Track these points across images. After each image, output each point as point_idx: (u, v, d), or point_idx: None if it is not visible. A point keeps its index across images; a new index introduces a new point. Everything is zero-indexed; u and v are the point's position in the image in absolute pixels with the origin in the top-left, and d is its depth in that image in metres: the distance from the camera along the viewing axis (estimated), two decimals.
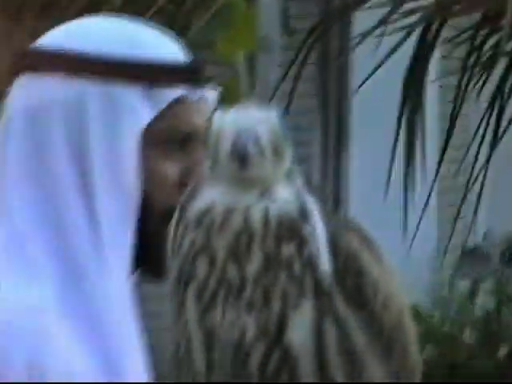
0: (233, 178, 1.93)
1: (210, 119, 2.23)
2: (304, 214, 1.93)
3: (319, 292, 1.86)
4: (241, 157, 1.91)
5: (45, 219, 2.71)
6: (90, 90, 2.71)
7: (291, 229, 1.90)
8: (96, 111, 2.70)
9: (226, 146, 1.92)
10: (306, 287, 1.85)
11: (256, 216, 1.90)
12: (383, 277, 1.94)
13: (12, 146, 2.73)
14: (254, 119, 1.97)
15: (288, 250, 1.89)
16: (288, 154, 1.98)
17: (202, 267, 1.91)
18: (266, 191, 1.93)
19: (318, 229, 1.94)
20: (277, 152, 1.95)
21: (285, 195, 1.94)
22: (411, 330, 1.98)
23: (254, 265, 1.89)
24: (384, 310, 1.91)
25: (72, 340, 2.60)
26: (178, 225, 2.02)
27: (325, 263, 1.90)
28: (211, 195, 1.94)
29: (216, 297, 1.88)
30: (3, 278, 2.65)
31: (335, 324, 1.85)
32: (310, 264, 1.87)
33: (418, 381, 1.99)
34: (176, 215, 2.03)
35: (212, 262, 1.88)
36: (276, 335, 1.84)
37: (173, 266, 1.99)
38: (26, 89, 2.74)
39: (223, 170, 1.94)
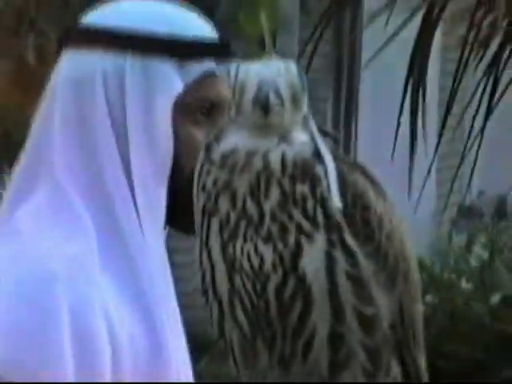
0: (255, 124, 1.93)
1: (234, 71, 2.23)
2: (317, 156, 1.93)
3: (330, 225, 1.86)
4: (263, 105, 1.91)
5: (85, 177, 2.66)
6: (129, 63, 2.67)
7: (305, 170, 1.89)
8: (134, 81, 2.67)
9: (249, 96, 1.94)
10: (318, 221, 1.84)
11: (274, 158, 1.90)
12: (386, 212, 1.94)
13: (58, 110, 2.69)
14: (275, 71, 1.98)
15: (302, 188, 1.89)
16: (304, 103, 2.00)
17: (224, 203, 1.92)
18: (283, 136, 1.93)
19: (329, 169, 1.94)
20: (295, 101, 1.97)
21: (300, 140, 1.95)
22: (412, 259, 1.98)
23: (271, 201, 1.89)
24: (388, 241, 1.91)
25: (111, 290, 2.57)
26: (202, 165, 2.03)
27: (335, 200, 1.90)
28: (234, 140, 1.95)
29: (237, 229, 1.87)
30: (49, 231, 2.62)
31: (344, 254, 1.84)
32: (322, 200, 1.87)
33: (418, 306, 1.97)
34: (200, 157, 2.04)
35: (233, 199, 1.89)
36: (291, 264, 1.82)
37: (198, 202, 2.00)
38: (72, 61, 2.70)
39: (246, 117, 1.94)
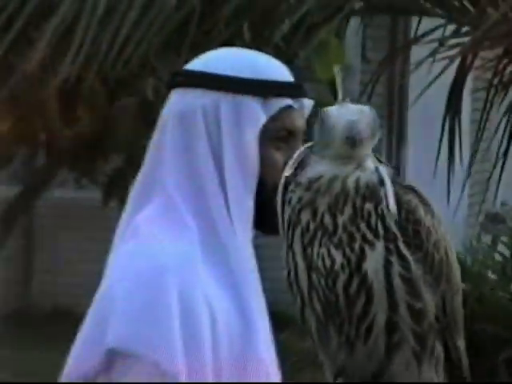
0: (341, 156, 1.97)
1: (316, 116, 2.34)
2: (381, 180, 1.93)
3: (387, 236, 1.88)
4: (353, 142, 1.95)
5: (190, 191, 2.68)
6: (223, 100, 2.68)
7: (372, 192, 1.90)
8: (227, 115, 2.67)
9: (340, 134, 1.99)
10: (379, 232, 1.85)
11: (351, 182, 1.91)
12: (433, 225, 1.94)
13: (167, 139, 2.69)
14: (357, 113, 2.03)
15: (369, 206, 1.90)
16: (376, 138, 2.05)
17: (305, 216, 1.94)
18: (359, 165, 1.95)
19: (389, 192, 1.95)
20: (372, 137, 2.01)
21: (370, 167, 1.96)
22: (454, 262, 1.98)
23: (344, 216, 1.91)
24: (434, 249, 1.91)
25: (209, 279, 2.56)
26: (286, 186, 2.11)
27: (393, 216, 1.92)
28: (319, 168, 1.98)
29: (314, 237, 1.92)
30: (161, 233, 2.63)
31: (399, 259, 1.86)
32: (382, 216, 1.89)
33: (459, 299, 1.98)
34: (285, 179, 2.12)
35: (314, 214, 1.91)
36: (356, 265, 1.83)
37: (282, 213, 2.08)
38: (178, 98, 2.71)
39: (335, 151, 1.98)
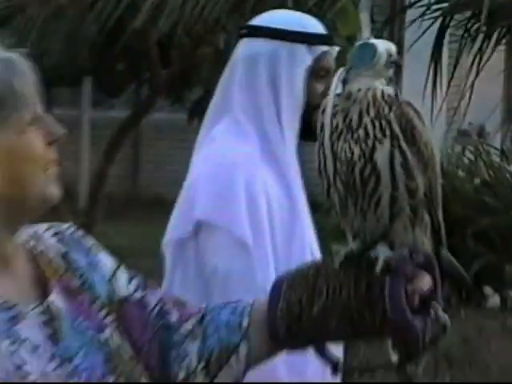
0: (380, 75, 1.78)
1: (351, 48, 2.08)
2: (396, 94, 1.78)
3: (392, 136, 1.74)
4: (394, 64, 1.77)
5: (252, 113, 2.65)
6: (281, 47, 2.66)
7: (390, 101, 1.76)
8: (285, 58, 2.66)
9: (384, 58, 1.76)
10: (386, 133, 1.72)
11: (379, 92, 1.76)
12: (425, 131, 1.82)
13: (236, 77, 2.67)
14: (389, 45, 1.81)
15: (384, 112, 1.75)
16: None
17: (337, 120, 1.78)
18: (385, 82, 1.80)
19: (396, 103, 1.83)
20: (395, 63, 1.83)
21: (389, 86, 1.80)
22: (436, 158, 1.87)
23: (368, 118, 1.75)
24: (424, 147, 1.80)
25: (267, 174, 2.56)
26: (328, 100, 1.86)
27: (395, 121, 1.78)
28: (357, 84, 1.78)
29: (340, 135, 1.75)
30: (231, 141, 2.62)
31: (399, 152, 1.72)
32: (389, 122, 1.75)
33: (439, 184, 1.87)
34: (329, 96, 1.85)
35: (344, 118, 1.74)
36: (369, 156, 1.72)
37: (319, 121, 1.84)
38: (245, 47, 2.69)
39: (376, 70, 1.78)
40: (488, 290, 7.28)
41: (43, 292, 1.57)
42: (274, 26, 2.74)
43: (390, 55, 1.81)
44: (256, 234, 2.55)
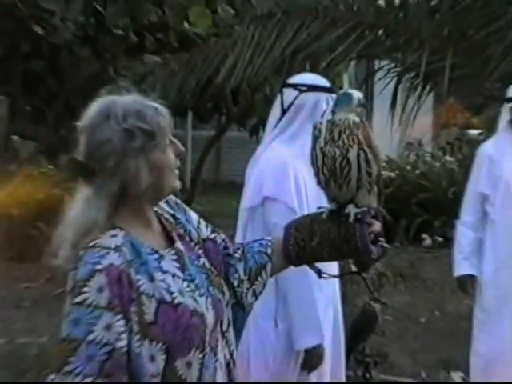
0: (353, 110, 2.05)
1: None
2: (361, 120, 2.06)
3: (359, 142, 2.01)
4: (362, 105, 2.07)
5: (294, 135, 3.15)
6: (321, 97, 3.20)
7: (357, 126, 2.04)
8: (314, 101, 3.18)
9: (356, 101, 2.05)
10: (355, 141, 2.02)
11: (351, 121, 2.04)
12: (375, 139, 2.06)
13: (297, 117, 3.17)
14: (359, 93, 2.10)
15: (356, 131, 2.02)
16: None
17: (326, 135, 2.05)
18: (353, 114, 2.07)
19: (361, 126, 2.07)
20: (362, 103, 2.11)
21: (357, 116, 2.07)
22: (380, 155, 2.09)
23: (344, 135, 2.02)
24: (375, 148, 2.04)
25: (304, 171, 2.94)
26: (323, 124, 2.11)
27: (361, 135, 2.04)
28: (341, 116, 2.06)
29: (328, 143, 2.03)
30: (282, 148, 3.12)
31: (363, 152, 2.02)
32: (357, 135, 2.02)
33: (380, 172, 2.09)
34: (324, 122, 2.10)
35: (331, 134, 2.04)
36: (345, 154, 2.02)
37: (314, 136, 2.09)
38: (287, 96, 3.19)
39: (351, 108, 2.05)
40: (424, 235, 9.43)
41: (169, 240, 2.01)
42: (305, 82, 3.26)
43: (359, 100, 2.09)
44: (299, 203, 3.11)
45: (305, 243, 2.11)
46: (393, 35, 5.14)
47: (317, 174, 2.06)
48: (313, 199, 3.00)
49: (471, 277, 4.27)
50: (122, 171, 1.90)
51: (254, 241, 2.21)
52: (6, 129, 7.88)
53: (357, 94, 2.07)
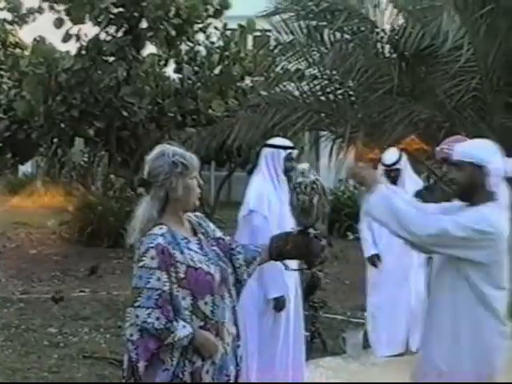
0: (306, 175, 2.56)
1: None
2: (313, 180, 2.58)
3: (318, 191, 2.49)
4: (308, 171, 2.64)
5: (269, 172, 3.75)
6: (275, 152, 3.80)
7: (312, 183, 2.55)
8: (277, 157, 3.80)
9: (308, 172, 2.51)
10: (313, 191, 2.48)
11: (309, 180, 2.54)
12: (321, 186, 2.45)
13: (262, 164, 3.79)
14: (309, 165, 2.61)
15: (311, 186, 2.54)
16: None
17: (297, 188, 2.62)
18: (307, 176, 2.63)
19: (318, 183, 2.63)
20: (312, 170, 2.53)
21: (311, 176, 2.61)
22: (326, 197, 2.44)
23: (308, 188, 2.52)
24: (326, 192, 2.40)
25: (273, 195, 3.52)
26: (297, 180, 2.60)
27: (319, 186, 2.57)
28: (300, 179, 2.58)
29: (298, 193, 2.52)
30: (260, 181, 3.79)
31: (319, 196, 2.48)
32: (317, 186, 2.50)
33: (327, 206, 2.45)
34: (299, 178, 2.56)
35: (296, 189, 2.51)
36: (310, 200, 2.40)
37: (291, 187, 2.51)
38: (265, 151, 3.80)
39: (305, 175, 2.54)
40: (349, 233, 10.89)
41: (194, 233, 2.55)
42: (276, 143, 3.87)
43: (308, 169, 2.63)
44: (270, 214, 3.79)
45: (282, 247, 2.60)
46: (329, 117, 6.76)
47: (293, 210, 2.68)
48: (278, 213, 3.83)
49: (376, 255, 5.40)
50: (167, 184, 2.45)
51: (251, 244, 2.76)
52: (106, 171, 10.34)
53: (305, 166, 2.70)
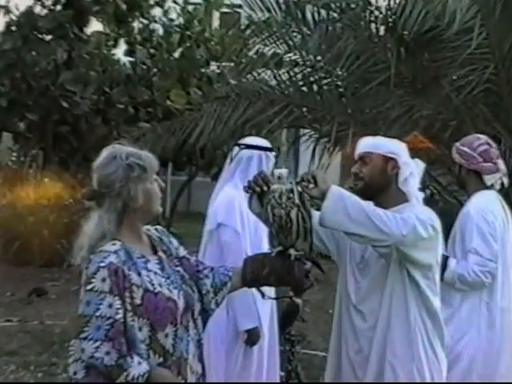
0: (283, 183, 2.58)
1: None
2: (291, 189, 2.62)
3: (294, 204, 2.52)
4: (284, 178, 2.62)
5: (240, 181, 3.73)
6: (254, 154, 3.86)
7: (289, 191, 2.57)
8: (255, 159, 3.84)
9: (286, 178, 2.60)
10: (293, 203, 2.55)
11: (285, 189, 2.60)
12: (295, 200, 2.58)
13: (236, 166, 3.81)
14: (287, 171, 2.58)
15: (288, 196, 2.56)
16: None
17: (272, 200, 2.61)
18: (284, 184, 2.62)
19: (295, 192, 2.62)
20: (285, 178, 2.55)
21: (288, 185, 2.61)
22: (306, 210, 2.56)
23: (283, 198, 2.56)
24: (304, 206, 2.54)
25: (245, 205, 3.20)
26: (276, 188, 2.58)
27: (297, 195, 2.55)
28: (275, 187, 2.65)
29: (275, 207, 2.57)
30: (231, 191, 3.80)
31: (299, 210, 2.52)
32: (290, 198, 2.55)
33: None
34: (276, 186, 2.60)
35: (274, 199, 2.57)
36: (287, 214, 2.54)
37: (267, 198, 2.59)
38: (236, 151, 3.84)
39: (283, 181, 2.60)
40: None
41: (154, 251, 2.55)
42: (251, 143, 3.86)
43: (290, 173, 2.55)
44: (242, 227, 3.75)
45: (258, 272, 2.62)
46: (312, 112, 6.62)
47: (269, 227, 2.62)
48: (254, 228, 3.82)
49: None
50: (124, 193, 2.44)
51: (221, 266, 2.76)
52: (40, 174, 10.17)
53: (283, 171, 2.65)
